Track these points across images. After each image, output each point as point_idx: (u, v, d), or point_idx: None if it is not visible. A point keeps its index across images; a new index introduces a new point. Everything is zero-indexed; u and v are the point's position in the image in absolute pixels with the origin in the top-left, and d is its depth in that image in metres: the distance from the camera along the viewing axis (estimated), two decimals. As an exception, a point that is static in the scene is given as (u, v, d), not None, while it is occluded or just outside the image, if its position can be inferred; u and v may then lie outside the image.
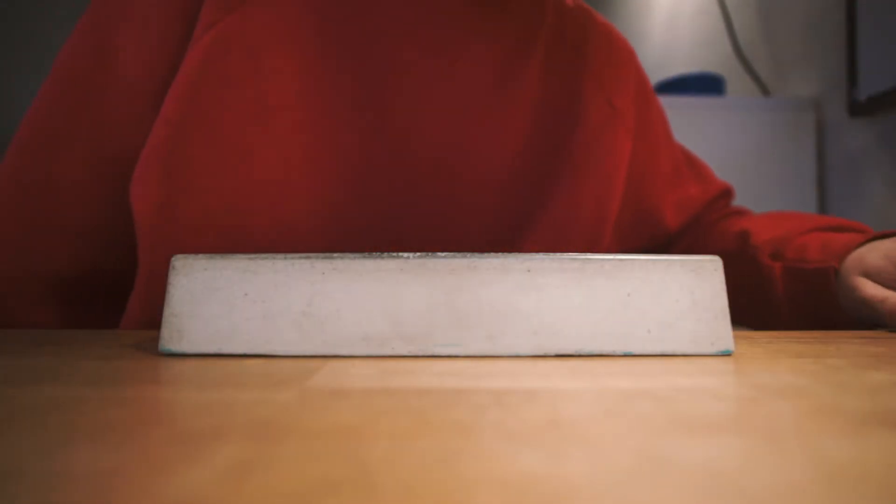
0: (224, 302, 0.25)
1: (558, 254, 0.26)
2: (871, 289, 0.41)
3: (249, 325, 0.25)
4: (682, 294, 0.26)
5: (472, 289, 0.25)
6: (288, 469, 0.11)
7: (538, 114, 0.48)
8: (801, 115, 1.20)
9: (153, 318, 0.38)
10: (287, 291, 0.25)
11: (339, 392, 0.18)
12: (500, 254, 0.26)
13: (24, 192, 0.40)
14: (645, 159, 0.56)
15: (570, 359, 0.25)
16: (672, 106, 1.19)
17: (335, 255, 0.25)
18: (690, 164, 0.62)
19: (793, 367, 0.23)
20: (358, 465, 0.12)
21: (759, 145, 1.18)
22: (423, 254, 0.25)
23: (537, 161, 0.47)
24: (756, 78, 1.38)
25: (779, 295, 0.49)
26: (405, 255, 0.25)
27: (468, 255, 0.25)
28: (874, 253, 0.42)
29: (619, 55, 0.55)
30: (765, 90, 1.36)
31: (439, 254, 0.25)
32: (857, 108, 1.10)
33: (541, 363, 0.23)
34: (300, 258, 0.25)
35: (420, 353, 0.25)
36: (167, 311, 0.25)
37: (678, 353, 0.26)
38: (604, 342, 0.25)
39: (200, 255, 0.25)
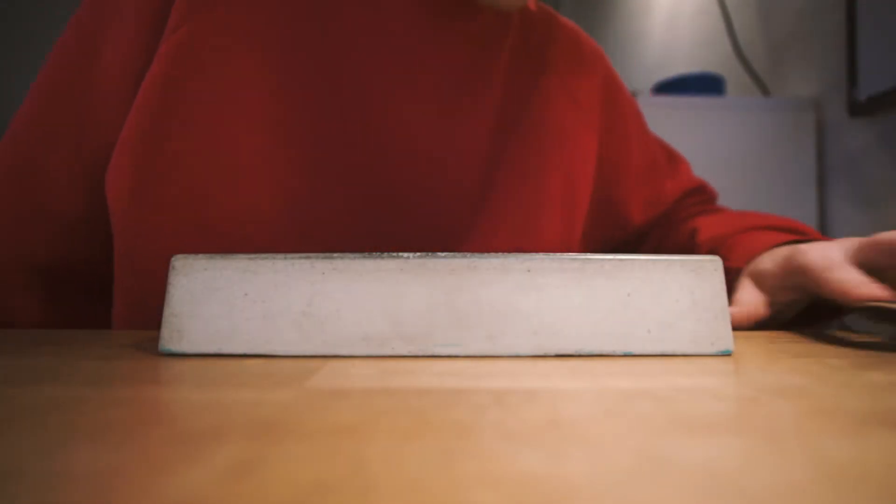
0: (224, 302, 0.25)
1: (558, 254, 0.26)
2: (738, 294, 0.42)
3: (249, 325, 0.25)
4: (682, 294, 0.26)
5: (472, 289, 0.25)
6: (288, 469, 0.11)
7: (502, 115, 0.49)
8: (800, 115, 1.20)
9: (134, 305, 0.39)
10: (287, 291, 0.25)
11: (339, 392, 0.18)
12: (500, 254, 0.26)
13: (11, 181, 0.42)
14: (614, 155, 0.57)
15: (570, 359, 0.25)
16: (672, 106, 1.19)
17: (335, 255, 0.25)
18: (671, 160, 0.62)
19: (793, 367, 0.23)
20: (358, 465, 0.12)
21: (759, 145, 1.18)
22: (424, 254, 0.25)
23: (503, 161, 0.48)
24: (756, 78, 1.38)
25: None
26: (405, 255, 0.25)
27: (468, 255, 0.25)
28: (769, 257, 0.42)
29: (584, 55, 0.56)
30: (765, 90, 1.36)
31: (439, 254, 0.25)
32: (857, 108, 1.10)
33: (541, 363, 0.23)
34: (300, 258, 0.25)
35: (420, 353, 0.25)
36: (167, 311, 0.25)
37: (678, 353, 0.26)
38: (604, 342, 0.25)
39: (200, 255, 0.25)
